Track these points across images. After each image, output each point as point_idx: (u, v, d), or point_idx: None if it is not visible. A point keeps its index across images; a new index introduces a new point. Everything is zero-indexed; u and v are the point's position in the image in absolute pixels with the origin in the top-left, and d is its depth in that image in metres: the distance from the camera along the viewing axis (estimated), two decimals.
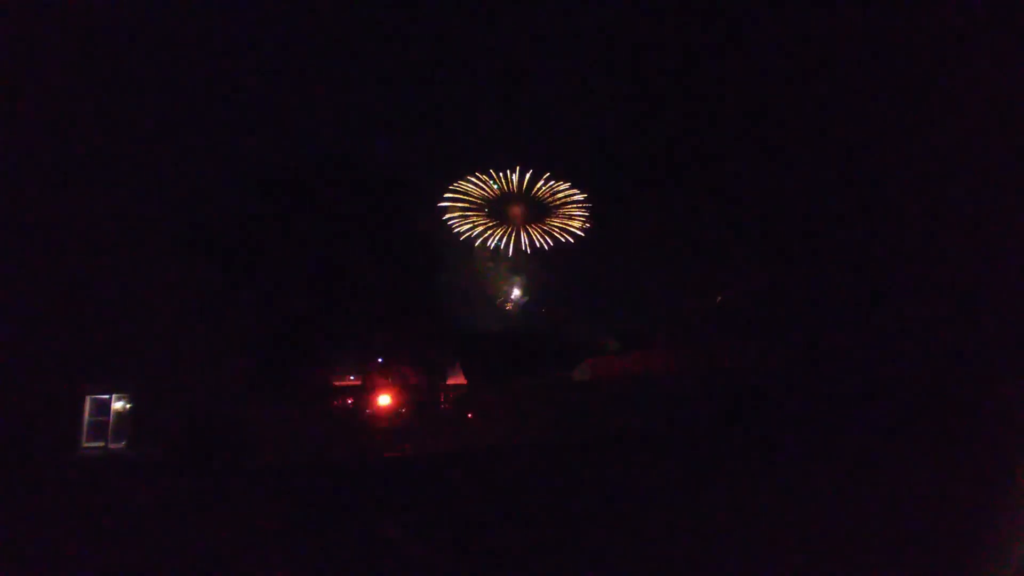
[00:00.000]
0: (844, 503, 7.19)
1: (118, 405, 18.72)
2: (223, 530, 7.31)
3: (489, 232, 54.96)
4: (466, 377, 28.71)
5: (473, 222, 54.30)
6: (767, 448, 12.78)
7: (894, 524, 6.06)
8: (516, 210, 55.16)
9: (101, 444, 18.01)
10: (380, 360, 22.01)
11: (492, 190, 54.90)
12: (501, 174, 54.48)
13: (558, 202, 55.17)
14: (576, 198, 54.13)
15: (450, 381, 25.61)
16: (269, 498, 9.63)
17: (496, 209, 55.28)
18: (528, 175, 54.49)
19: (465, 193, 54.06)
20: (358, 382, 23.16)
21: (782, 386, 18.22)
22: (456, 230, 53.32)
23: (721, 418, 17.78)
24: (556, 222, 55.10)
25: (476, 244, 54.60)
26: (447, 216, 52.92)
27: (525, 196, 55.66)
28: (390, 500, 9.00)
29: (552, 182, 54.86)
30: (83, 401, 18.17)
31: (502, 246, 55.13)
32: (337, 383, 23.58)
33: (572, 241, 54.07)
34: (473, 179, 53.66)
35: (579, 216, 54.08)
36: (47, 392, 16.67)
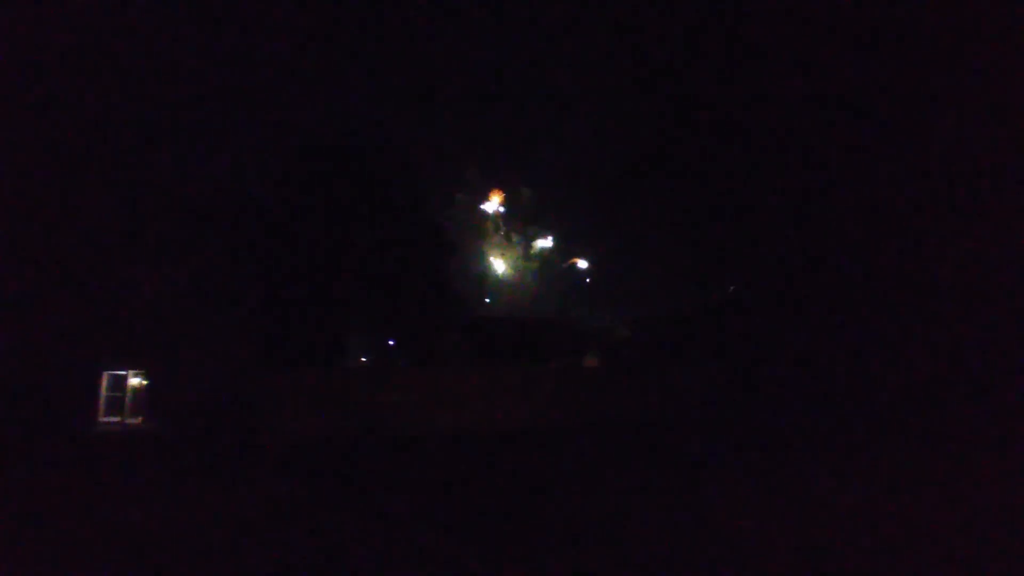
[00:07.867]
0: (842, 500, 7.13)
1: (134, 381, 19.11)
2: (234, 504, 7.43)
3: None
4: (475, 361, 28.78)
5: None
6: (769, 442, 12.75)
7: (891, 523, 5.99)
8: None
9: (118, 419, 18.47)
10: (391, 343, 22.14)
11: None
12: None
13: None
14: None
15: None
16: (281, 474, 9.78)
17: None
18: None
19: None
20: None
21: (784, 381, 18.18)
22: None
23: (727, 410, 17.76)
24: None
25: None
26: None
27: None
28: (400, 479, 9.09)
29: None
30: (100, 376, 18.56)
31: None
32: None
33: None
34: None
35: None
36: (66, 367, 17.02)
